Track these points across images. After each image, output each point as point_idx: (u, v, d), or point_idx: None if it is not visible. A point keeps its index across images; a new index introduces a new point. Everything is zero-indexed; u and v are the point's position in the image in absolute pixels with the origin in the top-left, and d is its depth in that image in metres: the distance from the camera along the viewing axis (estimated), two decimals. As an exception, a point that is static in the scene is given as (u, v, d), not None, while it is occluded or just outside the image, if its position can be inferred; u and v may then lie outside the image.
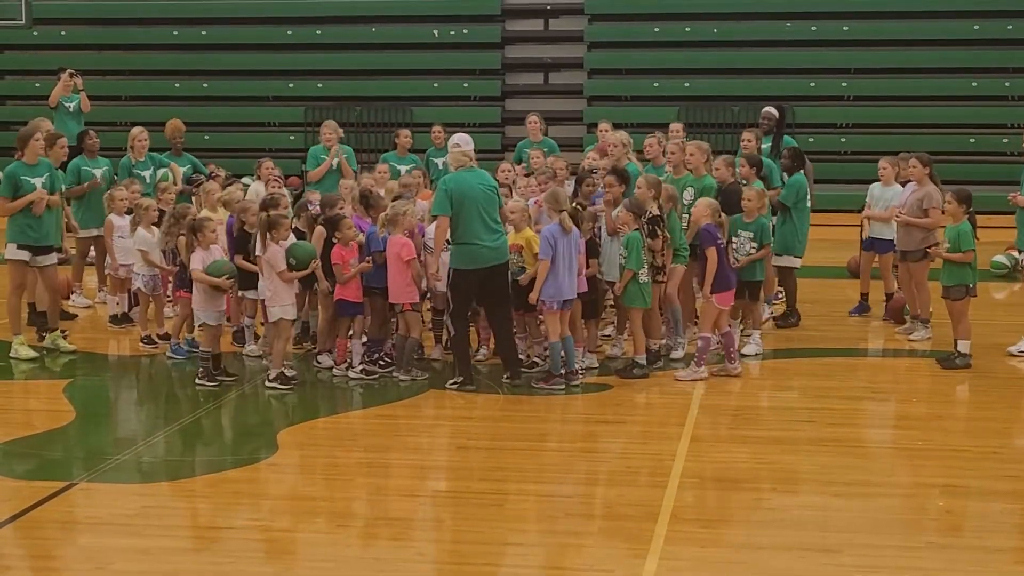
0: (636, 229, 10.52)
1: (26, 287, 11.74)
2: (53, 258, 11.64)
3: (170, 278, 11.97)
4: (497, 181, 11.08)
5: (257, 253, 10.56)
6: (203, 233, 10.58)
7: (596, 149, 13.80)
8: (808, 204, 12.83)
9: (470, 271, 10.23)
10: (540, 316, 10.81)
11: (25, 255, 11.40)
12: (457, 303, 10.37)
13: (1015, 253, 15.68)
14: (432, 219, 10.57)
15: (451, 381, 10.30)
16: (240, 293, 11.28)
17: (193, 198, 13.48)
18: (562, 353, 10.41)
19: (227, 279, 10.48)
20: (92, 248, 13.79)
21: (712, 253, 10.51)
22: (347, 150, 14.84)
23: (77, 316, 13.25)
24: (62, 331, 12.05)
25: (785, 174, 12.72)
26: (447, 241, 10.39)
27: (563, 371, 10.38)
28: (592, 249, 10.84)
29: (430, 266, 10.64)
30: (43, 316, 12.36)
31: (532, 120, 15.44)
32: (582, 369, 10.66)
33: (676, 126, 14.43)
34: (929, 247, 11.98)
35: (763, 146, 13.50)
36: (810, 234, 12.89)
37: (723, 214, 10.90)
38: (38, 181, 11.36)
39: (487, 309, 10.77)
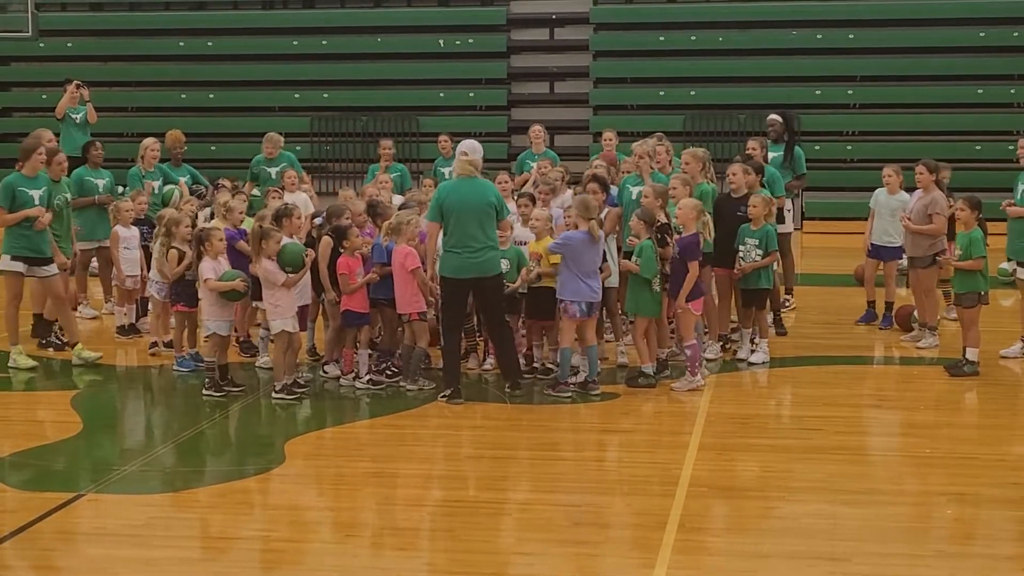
0: (649, 238, 10.53)
1: (21, 298, 11.69)
2: (52, 269, 11.60)
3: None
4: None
5: (251, 268, 10.60)
6: (211, 242, 10.59)
7: (601, 157, 13.78)
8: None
9: (456, 280, 10.25)
10: (546, 323, 10.85)
11: (20, 266, 11.42)
12: (446, 313, 10.40)
13: (1004, 264, 15.71)
14: None
15: (441, 394, 10.31)
16: (253, 304, 11.29)
17: (199, 211, 13.47)
18: (573, 362, 10.47)
19: (241, 281, 10.49)
20: (94, 259, 13.82)
21: (695, 267, 10.49)
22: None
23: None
24: (60, 339, 12.09)
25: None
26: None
27: (583, 379, 10.47)
28: (603, 255, 10.85)
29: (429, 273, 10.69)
30: (47, 326, 12.38)
31: (536, 131, 15.22)
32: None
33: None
34: (937, 254, 12.02)
35: (774, 155, 13.49)
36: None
37: (706, 213, 10.92)
38: (36, 194, 11.38)
39: (485, 320, 10.84)
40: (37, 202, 11.36)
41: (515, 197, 12.10)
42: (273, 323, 10.38)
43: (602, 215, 11.12)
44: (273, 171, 14.56)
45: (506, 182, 12.29)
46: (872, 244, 13.19)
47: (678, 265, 10.59)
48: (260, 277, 10.41)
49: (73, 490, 8.12)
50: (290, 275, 10.28)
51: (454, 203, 10.21)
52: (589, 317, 10.36)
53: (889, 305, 13.26)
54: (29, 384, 11.24)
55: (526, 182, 13.83)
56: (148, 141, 14.17)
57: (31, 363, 11.56)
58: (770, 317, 12.81)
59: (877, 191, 13.25)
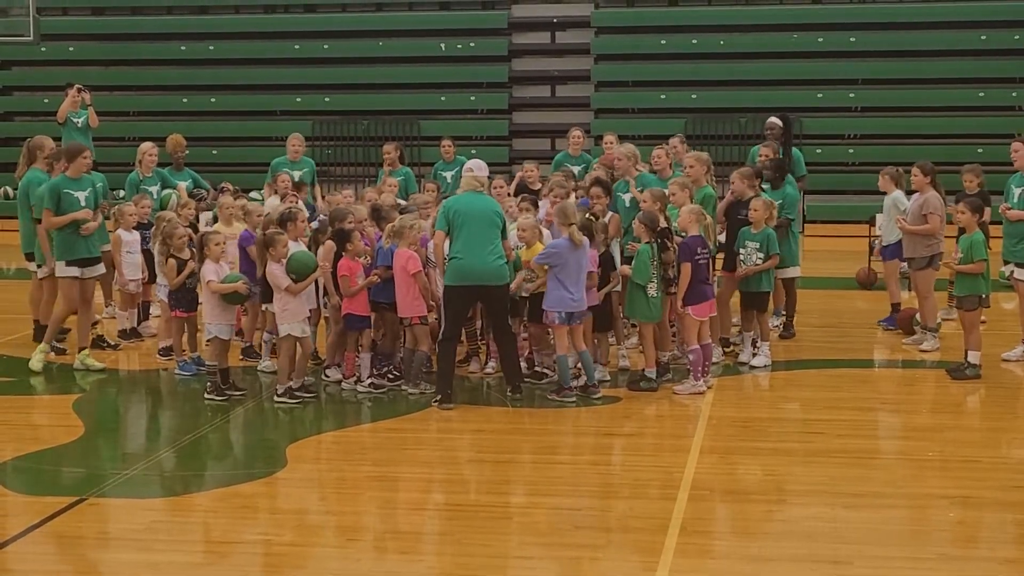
0: (649, 242, 10.53)
1: (75, 305, 11.65)
2: (99, 268, 11.76)
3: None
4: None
5: (258, 273, 10.61)
6: (209, 247, 10.60)
7: (600, 161, 13.78)
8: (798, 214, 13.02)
9: (460, 287, 10.25)
10: (549, 329, 10.84)
11: (76, 271, 11.43)
12: (447, 320, 10.40)
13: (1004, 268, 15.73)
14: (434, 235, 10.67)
15: (434, 399, 10.33)
16: (263, 307, 11.30)
17: (200, 215, 13.48)
18: (577, 366, 10.52)
19: (243, 283, 10.49)
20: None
21: (687, 268, 10.49)
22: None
23: (71, 330, 13.06)
24: (59, 344, 12.09)
25: (769, 186, 12.55)
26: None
27: (583, 383, 10.46)
28: (610, 262, 10.85)
29: (434, 280, 10.69)
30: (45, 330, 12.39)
31: (576, 135, 14.95)
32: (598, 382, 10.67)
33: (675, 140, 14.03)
34: (935, 256, 12.08)
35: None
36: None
37: (707, 216, 10.91)
38: (82, 196, 11.39)
39: (490, 326, 10.87)
40: (83, 204, 11.38)
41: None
42: (281, 327, 10.38)
43: (606, 219, 11.11)
44: (296, 174, 14.52)
45: (501, 187, 12.30)
46: (882, 245, 13.36)
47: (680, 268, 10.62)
48: (269, 281, 10.42)
49: (75, 494, 8.12)
50: (294, 282, 10.26)
51: (462, 211, 10.22)
52: (570, 325, 10.35)
53: (894, 306, 13.27)
54: (31, 388, 11.25)
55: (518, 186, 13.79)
56: (145, 146, 14.15)
57: (40, 367, 11.58)
58: (776, 320, 12.84)
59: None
